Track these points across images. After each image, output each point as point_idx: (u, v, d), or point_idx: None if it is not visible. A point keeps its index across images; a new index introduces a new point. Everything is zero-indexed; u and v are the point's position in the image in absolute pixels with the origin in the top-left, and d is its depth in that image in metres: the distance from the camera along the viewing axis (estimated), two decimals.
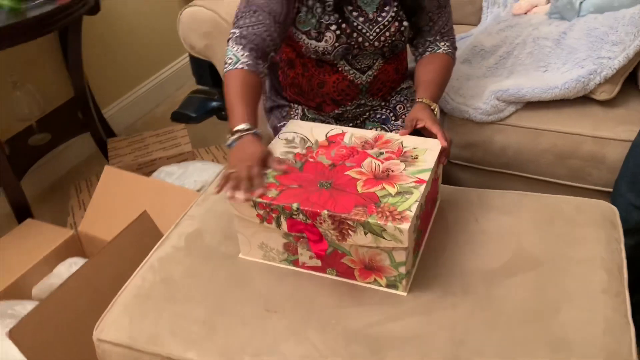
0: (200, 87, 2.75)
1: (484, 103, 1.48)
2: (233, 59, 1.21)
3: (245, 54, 1.21)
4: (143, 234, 1.39)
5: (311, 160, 1.10)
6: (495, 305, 1.00)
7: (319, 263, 1.06)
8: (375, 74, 1.40)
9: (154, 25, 2.74)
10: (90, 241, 1.66)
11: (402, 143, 1.13)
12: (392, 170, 1.05)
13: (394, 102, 1.49)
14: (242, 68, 1.19)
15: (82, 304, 1.22)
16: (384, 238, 0.94)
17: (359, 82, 1.40)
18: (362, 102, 1.45)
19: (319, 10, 1.29)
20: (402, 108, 1.49)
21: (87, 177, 2.19)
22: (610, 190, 1.44)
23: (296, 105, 1.49)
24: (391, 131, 1.45)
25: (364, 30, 1.31)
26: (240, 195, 1.01)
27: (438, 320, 0.98)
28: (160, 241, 1.23)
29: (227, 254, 1.16)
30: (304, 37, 1.31)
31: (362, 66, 1.38)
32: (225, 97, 1.18)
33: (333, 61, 1.35)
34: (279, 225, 1.02)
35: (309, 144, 1.16)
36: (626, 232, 1.15)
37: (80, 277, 1.25)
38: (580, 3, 1.56)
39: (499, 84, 1.50)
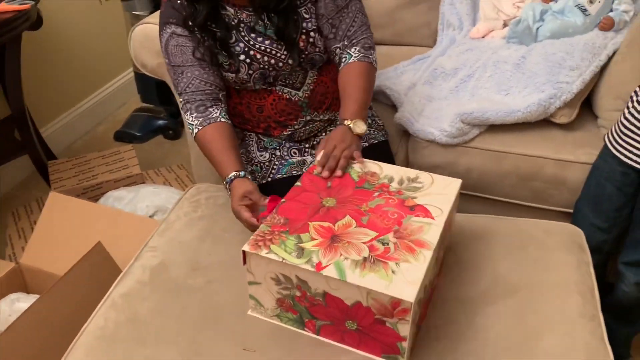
0: (145, 105, 2.64)
1: (449, 126, 1.49)
2: (190, 128, 1.27)
3: (195, 115, 1.26)
4: (99, 267, 1.29)
5: (374, 194, 1.02)
6: (479, 336, 0.99)
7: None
8: (311, 87, 1.37)
9: (95, 40, 2.61)
10: (34, 275, 1.53)
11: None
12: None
13: None
14: (198, 131, 1.25)
15: (34, 346, 1.11)
16: None
17: (296, 99, 1.36)
18: (308, 118, 1.40)
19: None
20: None
21: (26, 203, 2.04)
22: (570, 211, 1.48)
23: (247, 132, 1.45)
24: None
25: (273, 52, 1.29)
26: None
27: (423, 354, 0.95)
28: (120, 275, 1.15)
29: (196, 287, 1.09)
30: (221, 71, 1.31)
31: (295, 82, 1.35)
32: (209, 160, 1.26)
33: (255, 87, 1.34)
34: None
35: (410, 192, 1.04)
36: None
37: (31, 316, 1.14)
38: (537, 29, 1.60)
39: (463, 106, 1.51)
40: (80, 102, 2.63)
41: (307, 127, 1.42)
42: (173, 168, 2.15)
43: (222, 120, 1.26)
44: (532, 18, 1.60)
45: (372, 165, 1.10)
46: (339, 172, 1.08)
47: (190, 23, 1.25)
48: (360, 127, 1.18)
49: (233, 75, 1.30)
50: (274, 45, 1.29)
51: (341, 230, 0.92)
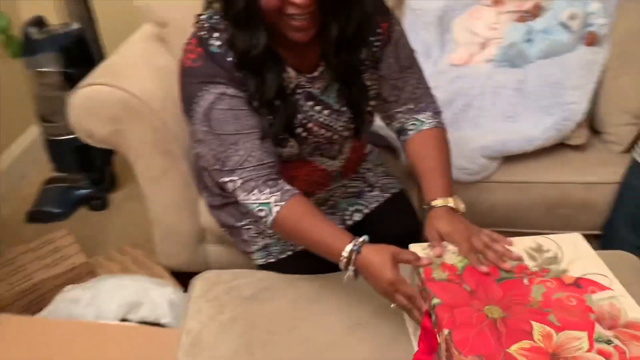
0: (56, 174, 2.23)
1: (469, 162, 1.38)
2: (265, 210, 1.00)
3: (268, 192, 1.00)
4: None
5: (525, 282, 0.85)
6: None
7: None
8: (347, 156, 1.21)
9: None
10: None
11: (615, 294, 0.83)
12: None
13: (362, 171, 1.32)
14: (279, 209, 0.99)
15: None
16: None
17: (332, 169, 1.19)
18: (335, 186, 1.26)
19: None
20: (373, 175, 1.33)
21: None
22: (596, 232, 1.44)
23: None
24: (369, 206, 1.28)
25: (332, 124, 1.10)
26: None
27: None
28: None
29: None
30: None
31: (333, 152, 1.17)
32: (299, 242, 1.06)
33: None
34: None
35: (552, 266, 0.89)
36: None
37: None
38: (528, 50, 1.56)
39: (477, 140, 1.42)
40: None
41: (327, 194, 1.26)
42: (126, 249, 1.80)
43: (298, 191, 1.02)
44: (520, 39, 1.55)
45: None
46: (484, 268, 0.88)
47: (256, 99, 1.00)
48: (460, 205, 1.01)
49: (282, 149, 1.07)
50: (334, 115, 1.09)
51: (550, 345, 0.75)
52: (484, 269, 0.87)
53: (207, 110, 0.99)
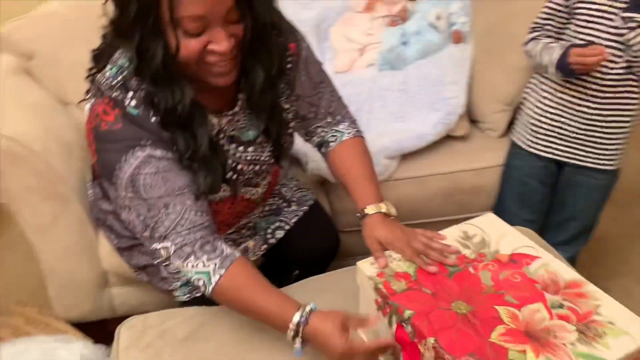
0: None
1: (375, 165, 1.43)
2: (204, 278, 0.93)
3: (205, 258, 0.93)
4: None
5: (471, 271, 0.89)
6: None
7: None
8: (269, 180, 1.19)
9: None
10: None
11: (599, 307, 0.85)
12: (555, 336, 0.80)
13: (277, 187, 1.32)
14: (219, 277, 0.92)
15: None
16: None
17: (255, 197, 1.17)
18: (256, 211, 1.25)
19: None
20: (288, 190, 1.33)
21: None
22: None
23: None
24: (289, 221, 1.28)
25: (257, 157, 1.08)
26: None
27: None
28: None
29: None
30: None
31: (258, 180, 1.14)
32: (241, 312, 0.97)
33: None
34: (390, 323, 0.87)
35: (485, 249, 0.94)
36: None
37: None
38: (405, 52, 1.65)
39: (374, 143, 1.47)
40: None
41: (249, 218, 1.25)
42: (14, 308, 1.60)
43: (238, 254, 0.95)
44: (397, 43, 1.64)
45: None
46: (433, 268, 0.91)
47: (187, 157, 0.92)
48: (392, 209, 1.03)
49: (215, 196, 1.01)
50: (258, 149, 1.06)
51: (520, 324, 0.81)
52: (432, 269, 0.91)
53: (132, 176, 0.91)
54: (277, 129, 1.05)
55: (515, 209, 1.50)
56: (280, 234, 1.27)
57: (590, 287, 0.88)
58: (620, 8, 1.23)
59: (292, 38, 1.04)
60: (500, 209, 1.54)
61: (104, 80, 0.92)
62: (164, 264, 1.09)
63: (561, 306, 0.84)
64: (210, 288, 0.93)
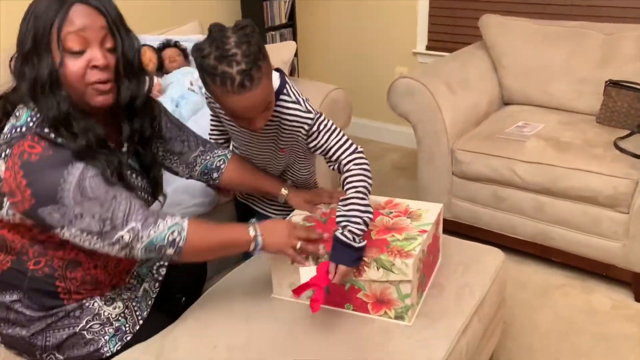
0: None
1: (206, 195, 1.80)
2: (176, 228, 1.12)
3: (169, 216, 1.13)
4: None
5: (333, 217, 1.27)
6: None
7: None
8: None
9: None
10: None
11: (409, 205, 1.38)
12: (400, 224, 1.29)
13: None
14: (188, 220, 1.14)
15: None
16: (392, 272, 1.16)
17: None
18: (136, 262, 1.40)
19: None
20: None
21: None
22: None
23: (89, 300, 1.24)
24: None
25: (142, 185, 1.27)
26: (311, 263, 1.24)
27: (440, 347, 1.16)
28: None
29: None
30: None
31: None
32: (206, 250, 1.17)
33: None
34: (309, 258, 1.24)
35: (328, 208, 1.40)
36: None
37: None
38: (181, 112, 2.02)
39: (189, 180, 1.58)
40: None
41: (134, 269, 1.39)
42: None
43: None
44: (172, 108, 1.99)
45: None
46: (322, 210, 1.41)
47: (109, 178, 1.09)
48: (292, 187, 1.51)
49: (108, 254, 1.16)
50: (145, 180, 1.28)
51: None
52: (322, 211, 1.41)
53: (79, 182, 1.03)
54: (151, 163, 1.28)
55: None
56: (163, 270, 1.40)
57: (398, 200, 1.41)
58: None
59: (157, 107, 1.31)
60: None
61: (11, 130, 1.06)
62: (127, 248, 1.11)
63: (391, 212, 1.37)
64: (184, 235, 1.11)
